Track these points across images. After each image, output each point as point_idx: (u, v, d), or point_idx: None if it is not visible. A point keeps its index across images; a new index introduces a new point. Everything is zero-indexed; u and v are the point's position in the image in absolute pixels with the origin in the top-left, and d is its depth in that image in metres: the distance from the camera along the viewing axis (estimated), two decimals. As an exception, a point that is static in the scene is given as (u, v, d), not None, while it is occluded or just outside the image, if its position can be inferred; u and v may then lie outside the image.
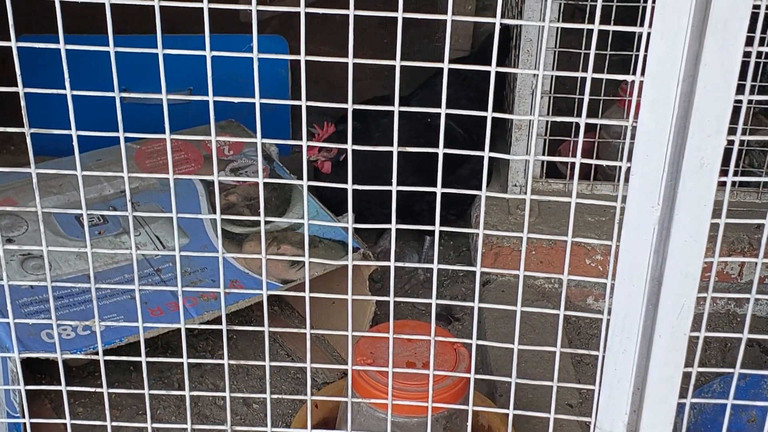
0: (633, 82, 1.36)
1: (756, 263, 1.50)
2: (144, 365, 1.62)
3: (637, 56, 3.02)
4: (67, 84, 1.39)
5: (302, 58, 1.37)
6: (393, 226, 1.53)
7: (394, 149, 1.44)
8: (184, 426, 1.70)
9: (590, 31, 1.33)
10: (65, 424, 1.73)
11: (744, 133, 3.01)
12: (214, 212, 1.55)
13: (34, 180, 1.48)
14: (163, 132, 1.44)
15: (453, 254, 3.35)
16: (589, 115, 1.41)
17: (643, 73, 1.34)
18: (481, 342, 1.61)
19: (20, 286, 2.57)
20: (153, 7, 1.34)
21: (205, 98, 1.40)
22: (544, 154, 3.18)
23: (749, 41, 1.31)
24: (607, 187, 3.16)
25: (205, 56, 1.38)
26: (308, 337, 1.59)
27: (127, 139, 1.45)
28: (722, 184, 1.38)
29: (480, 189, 1.48)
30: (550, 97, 3.11)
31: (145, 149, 3.09)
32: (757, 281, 1.56)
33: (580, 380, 2.81)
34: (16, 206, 2.76)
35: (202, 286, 2.61)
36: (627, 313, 1.50)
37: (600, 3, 1.36)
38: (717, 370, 1.80)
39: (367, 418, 2.21)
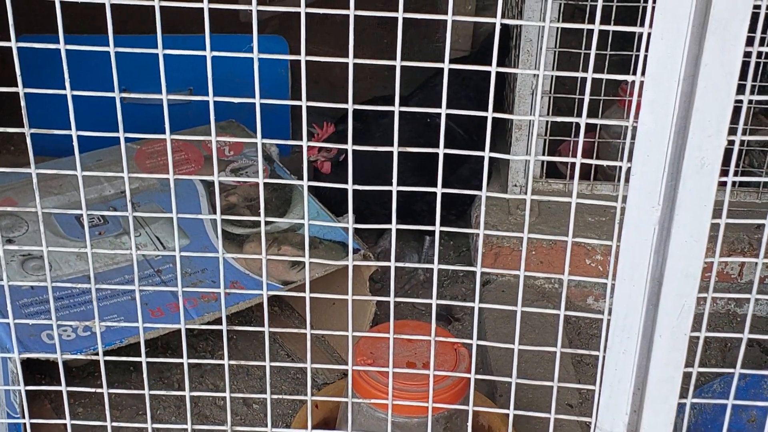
0: (633, 82, 1.35)
1: (756, 263, 1.50)
2: (144, 366, 1.62)
3: (637, 56, 3.02)
4: (67, 84, 1.39)
5: (302, 58, 1.37)
6: (393, 226, 1.53)
7: (395, 149, 1.44)
8: (184, 426, 1.70)
9: (590, 31, 1.33)
10: (65, 425, 1.73)
11: (744, 133, 3.01)
12: (215, 213, 1.55)
13: (34, 180, 1.48)
14: (163, 132, 1.44)
15: (453, 254, 3.35)
16: (589, 115, 1.41)
17: (643, 73, 1.34)
18: (481, 342, 1.61)
19: (20, 287, 2.57)
20: (153, 7, 1.34)
21: (205, 98, 1.40)
22: (544, 154, 3.18)
23: (749, 41, 1.31)
24: (607, 187, 3.16)
25: (205, 56, 1.38)
26: (308, 337, 1.59)
27: (127, 140, 1.45)
28: (722, 184, 1.38)
29: (480, 189, 1.48)
30: (550, 97, 3.11)
31: (146, 149, 3.08)
32: (758, 281, 1.56)
33: (580, 380, 2.81)
34: (17, 206, 2.76)
35: (203, 286, 2.62)
36: (627, 313, 1.50)
37: (600, 3, 1.36)
38: (717, 371, 1.80)
39: (367, 419, 2.21)
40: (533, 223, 3.07)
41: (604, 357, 1.55)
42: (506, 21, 1.37)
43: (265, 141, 1.47)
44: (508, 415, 1.66)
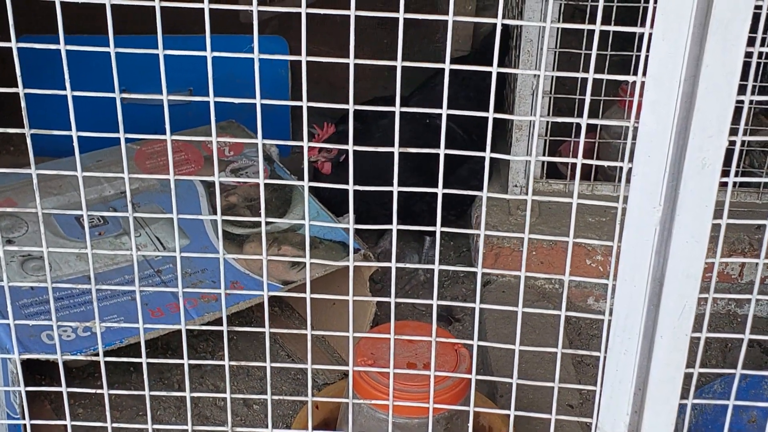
0: (633, 82, 1.35)
1: (757, 264, 1.50)
2: (144, 366, 1.62)
3: (637, 57, 3.02)
4: (68, 84, 1.39)
5: (303, 58, 1.36)
6: (394, 226, 1.52)
7: (395, 150, 1.43)
8: (184, 427, 1.70)
9: (591, 32, 1.33)
10: (65, 425, 1.73)
11: (745, 133, 3.01)
12: (215, 213, 1.55)
13: (35, 181, 1.48)
14: (164, 132, 1.44)
15: (453, 255, 3.35)
16: (589, 116, 1.41)
17: (644, 73, 1.34)
18: (481, 343, 1.60)
19: (20, 287, 2.57)
20: (153, 7, 1.34)
21: (205, 99, 1.40)
22: (544, 155, 3.18)
23: (750, 42, 1.31)
24: (607, 187, 3.16)
25: (205, 57, 1.38)
26: (309, 337, 1.59)
27: (127, 140, 1.45)
28: (723, 185, 1.38)
29: (480, 189, 1.48)
30: (550, 98, 3.11)
31: (146, 150, 3.08)
32: (758, 282, 1.55)
33: (580, 381, 2.81)
34: (16, 207, 2.76)
35: (203, 287, 2.61)
36: (628, 314, 1.50)
37: (602, 3, 1.36)
38: (718, 371, 1.80)
39: (367, 419, 2.21)
40: (534, 224, 3.07)
41: (604, 357, 1.55)
42: (507, 21, 1.37)
43: (266, 141, 1.47)
44: (508, 415, 1.66)
